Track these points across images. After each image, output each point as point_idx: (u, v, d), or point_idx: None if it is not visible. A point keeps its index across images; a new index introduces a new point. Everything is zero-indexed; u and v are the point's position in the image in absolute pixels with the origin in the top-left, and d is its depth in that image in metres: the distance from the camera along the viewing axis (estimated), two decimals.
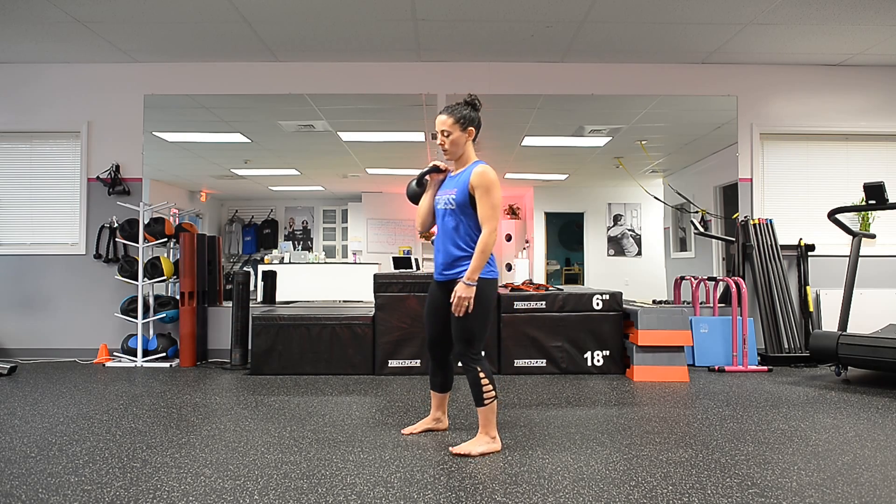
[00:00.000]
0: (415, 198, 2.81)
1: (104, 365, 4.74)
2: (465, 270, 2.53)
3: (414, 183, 2.76)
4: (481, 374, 2.53)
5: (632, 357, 4.24)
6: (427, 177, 2.75)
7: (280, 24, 4.43)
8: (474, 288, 2.50)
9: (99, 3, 4.06)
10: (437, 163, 2.73)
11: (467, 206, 2.57)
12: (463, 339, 2.55)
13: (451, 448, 2.54)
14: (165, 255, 5.08)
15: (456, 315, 2.51)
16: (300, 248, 7.21)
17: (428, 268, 6.57)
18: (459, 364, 2.64)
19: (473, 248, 2.56)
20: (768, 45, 4.80)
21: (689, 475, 2.27)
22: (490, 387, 2.54)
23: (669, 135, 6.00)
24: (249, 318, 4.69)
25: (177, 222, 5.24)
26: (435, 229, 2.75)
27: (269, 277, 5.71)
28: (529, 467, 2.37)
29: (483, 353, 2.66)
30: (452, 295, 2.51)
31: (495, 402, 2.56)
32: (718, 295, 4.96)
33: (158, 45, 4.80)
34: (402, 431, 2.84)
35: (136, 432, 2.85)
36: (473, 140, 2.69)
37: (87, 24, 4.41)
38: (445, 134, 2.62)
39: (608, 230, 6.91)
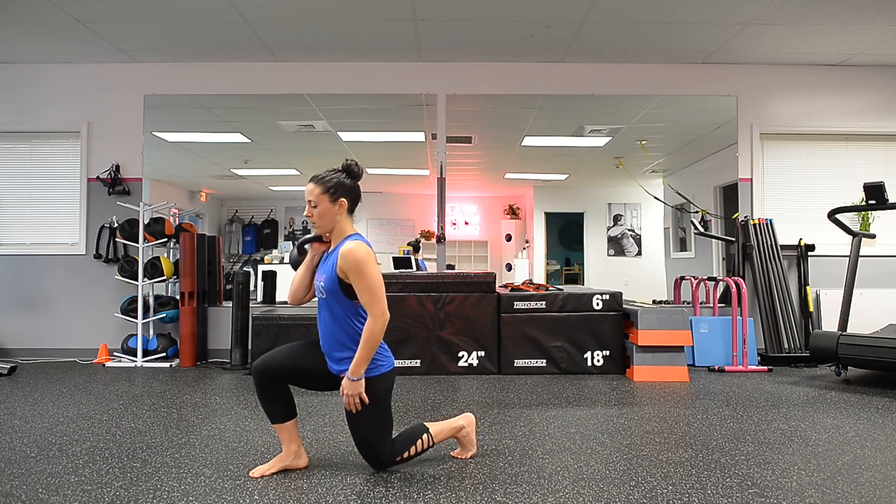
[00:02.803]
0: (295, 266, 2.47)
1: (104, 365, 4.74)
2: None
3: (295, 251, 2.44)
4: (404, 458, 2.30)
5: (632, 357, 4.24)
6: (308, 245, 2.38)
7: (280, 24, 4.43)
8: (362, 382, 2.16)
9: (99, 3, 4.06)
10: (323, 234, 2.33)
11: (338, 292, 2.19)
12: (363, 445, 2.26)
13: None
14: (165, 255, 5.08)
15: (351, 412, 2.19)
16: None
17: (429, 267, 6.57)
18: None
19: (353, 341, 2.21)
20: (768, 45, 4.80)
21: (689, 475, 2.27)
22: (420, 449, 2.32)
23: (669, 135, 6.00)
24: (249, 318, 4.69)
25: (177, 222, 5.24)
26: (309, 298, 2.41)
27: (269, 277, 5.71)
28: (529, 467, 2.37)
29: (390, 448, 2.28)
30: (340, 390, 2.19)
31: (432, 439, 2.36)
32: (718, 295, 4.96)
33: (158, 45, 4.80)
34: (252, 474, 2.28)
35: (136, 432, 2.85)
36: (350, 211, 2.30)
37: (87, 24, 4.41)
38: (312, 205, 2.23)
39: (608, 230, 6.91)
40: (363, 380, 2.17)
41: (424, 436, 2.35)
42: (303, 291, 2.39)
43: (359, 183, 2.33)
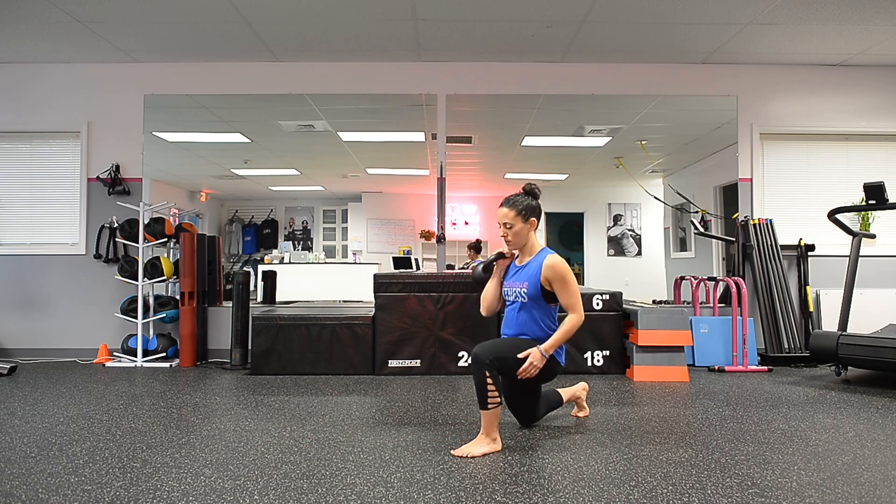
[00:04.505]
0: (481, 283, 2.86)
1: (104, 365, 4.74)
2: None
3: (481, 269, 2.80)
4: (489, 380, 2.50)
5: (632, 357, 4.24)
6: (494, 264, 2.78)
7: (280, 24, 4.43)
8: (546, 360, 2.57)
9: (99, 3, 4.06)
10: (503, 250, 2.75)
11: (540, 298, 2.62)
12: (497, 361, 2.51)
13: (452, 451, 2.54)
14: (165, 255, 5.08)
15: (518, 376, 2.55)
16: (300, 248, 7.21)
17: (428, 268, 6.57)
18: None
19: (545, 334, 2.64)
20: (768, 45, 4.80)
21: (689, 475, 2.27)
22: (496, 394, 2.51)
23: (669, 135, 6.00)
24: (249, 318, 4.69)
25: (177, 222, 5.24)
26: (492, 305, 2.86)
27: (269, 277, 5.71)
28: (529, 467, 2.37)
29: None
30: (524, 354, 2.54)
31: (499, 407, 2.54)
32: (718, 295, 4.96)
33: (158, 45, 4.80)
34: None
35: (136, 432, 2.85)
36: (536, 228, 2.71)
37: (87, 24, 4.41)
38: (508, 226, 2.65)
39: (608, 230, 6.91)
40: (548, 358, 2.58)
41: (499, 399, 2.58)
42: (496, 303, 2.84)
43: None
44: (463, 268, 5.26)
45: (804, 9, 4.13)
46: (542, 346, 2.56)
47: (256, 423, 3.02)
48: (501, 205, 2.68)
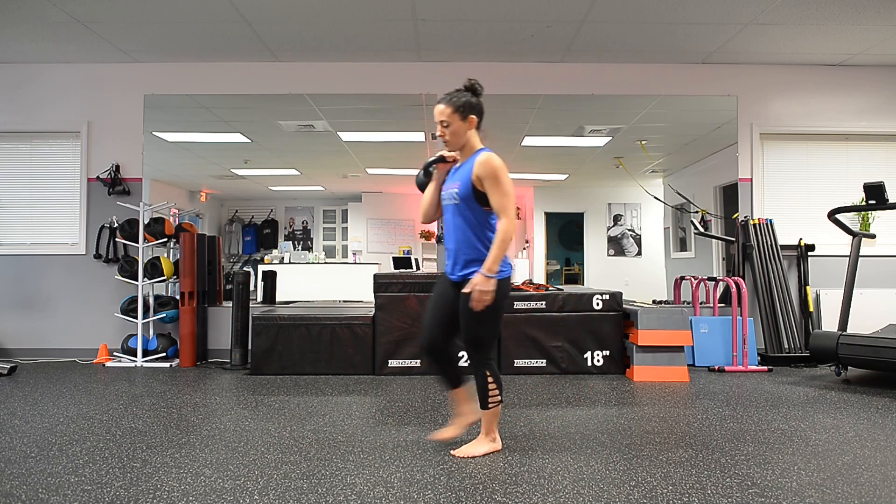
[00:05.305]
0: (422, 188, 2.68)
1: (104, 365, 4.74)
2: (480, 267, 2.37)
3: (421, 173, 2.65)
4: (490, 379, 2.46)
5: (632, 357, 4.24)
6: (434, 166, 2.59)
7: (280, 24, 4.43)
8: (494, 281, 2.32)
9: (99, 3, 4.06)
10: (444, 152, 2.53)
11: (472, 199, 2.40)
12: (473, 343, 2.45)
13: (452, 451, 2.54)
14: (165, 255, 5.08)
15: (474, 309, 2.34)
16: (300, 248, 7.21)
17: (428, 268, 6.57)
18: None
19: (484, 246, 2.41)
20: (768, 45, 4.80)
21: (689, 475, 2.27)
22: (497, 392, 2.48)
23: (669, 135, 6.00)
24: (249, 318, 4.69)
25: (177, 222, 5.24)
26: (442, 222, 2.67)
27: (269, 277, 5.71)
28: (529, 467, 2.37)
29: (493, 355, 2.56)
30: (469, 286, 2.33)
31: (500, 406, 2.53)
32: (718, 295, 4.96)
33: (158, 45, 4.80)
34: (434, 436, 2.63)
35: (136, 432, 2.85)
36: (477, 128, 2.49)
37: (87, 24, 4.41)
38: (445, 125, 2.43)
39: (608, 230, 6.91)
40: (494, 278, 2.33)
41: (500, 397, 2.51)
42: (433, 210, 2.64)
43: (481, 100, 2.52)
44: None
45: (804, 9, 4.13)
46: (483, 268, 2.32)
47: (256, 423, 3.02)
48: (438, 101, 2.44)
